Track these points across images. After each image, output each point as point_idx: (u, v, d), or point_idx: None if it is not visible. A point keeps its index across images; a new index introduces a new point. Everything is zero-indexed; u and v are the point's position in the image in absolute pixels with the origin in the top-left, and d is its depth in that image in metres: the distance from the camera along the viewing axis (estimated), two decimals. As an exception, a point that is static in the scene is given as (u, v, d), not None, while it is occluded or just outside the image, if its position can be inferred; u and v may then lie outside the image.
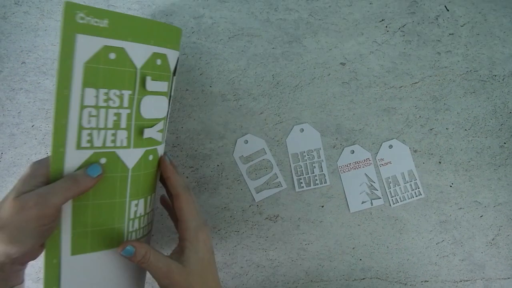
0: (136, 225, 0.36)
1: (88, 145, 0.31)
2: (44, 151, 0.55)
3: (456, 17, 0.56)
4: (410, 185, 0.56)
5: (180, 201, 0.37)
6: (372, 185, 0.55)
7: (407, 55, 0.56)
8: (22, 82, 0.55)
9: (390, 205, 0.55)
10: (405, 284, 0.55)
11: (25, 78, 0.56)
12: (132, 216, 0.35)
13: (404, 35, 0.57)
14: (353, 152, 0.55)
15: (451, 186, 0.56)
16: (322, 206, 0.56)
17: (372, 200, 0.55)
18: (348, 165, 0.55)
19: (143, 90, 0.33)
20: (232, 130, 0.56)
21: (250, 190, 0.55)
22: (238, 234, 0.55)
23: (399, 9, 0.56)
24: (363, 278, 0.55)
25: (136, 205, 0.35)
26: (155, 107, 0.35)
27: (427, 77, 0.56)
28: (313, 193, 0.56)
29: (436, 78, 0.56)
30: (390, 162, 0.56)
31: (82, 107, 0.30)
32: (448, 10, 0.56)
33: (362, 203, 0.55)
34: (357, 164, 0.55)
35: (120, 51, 0.31)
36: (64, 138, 0.30)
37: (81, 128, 0.30)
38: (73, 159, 0.31)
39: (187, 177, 0.55)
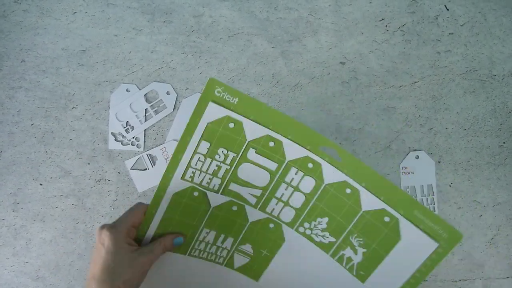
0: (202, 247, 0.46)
1: (190, 179, 0.41)
2: (43, 149, 0.55)
3: (456, 17, 0.56)
4: (427, 199, 0.56)
5: None
6: None
7: (407, 54, 0.56)
8: (22, 81, 0.55)
9: None
10: (404, 283, 0.55)
11: (25, 76, 0.55)
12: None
13: (404, 35, 0.57)
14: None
15: (450, 186, 0.56)
16: (322, 205, 0.56)
17: None
18: None
19: (245, 158, 0.42)
20: (232, 129, 0.56)
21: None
22: (238, 233, 0.55)
23: (399, 8, 0.56)
24: (362, 277, 0.55)
25: (207, 233, 0.45)
26: (252, 174, 0.43)
27: (426, 77, 0.56)
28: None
29: (435, 77, 0.56)
30: (412, 172, 0.56)
31: (195, 152, 0.40)
32: (448, 10, 0.56)
33: None
34: None
35: (238, 124, 0.40)
36: (175, 168, 0.40)
37: (189, 165, 0.41)
38: (175, 185, 0.41)
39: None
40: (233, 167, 0.42)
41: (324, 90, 0.56)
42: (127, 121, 0.56)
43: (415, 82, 0.56)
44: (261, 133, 0.42)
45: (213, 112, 0.40)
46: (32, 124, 0.55)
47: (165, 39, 0.56)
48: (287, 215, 0.44)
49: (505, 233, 0.56)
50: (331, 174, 0.42)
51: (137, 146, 0.56)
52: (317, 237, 0.44)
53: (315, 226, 0.43)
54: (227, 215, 0.44)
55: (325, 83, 0.56)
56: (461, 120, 0.56)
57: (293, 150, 0.42)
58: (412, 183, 0.56)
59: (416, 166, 0.56)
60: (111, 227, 0.40)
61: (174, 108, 0.56)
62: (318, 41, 0.56)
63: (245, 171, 0.42)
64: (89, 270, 0.39)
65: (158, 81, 0.56)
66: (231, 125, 0.41)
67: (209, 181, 0.43)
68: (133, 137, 0.56)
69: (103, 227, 0.40)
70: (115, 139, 0.56)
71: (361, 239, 0.42)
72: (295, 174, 0.43)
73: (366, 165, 0.40)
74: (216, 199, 0.43)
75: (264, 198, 0.44)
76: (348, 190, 0.41)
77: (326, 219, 0.43)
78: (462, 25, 0.56)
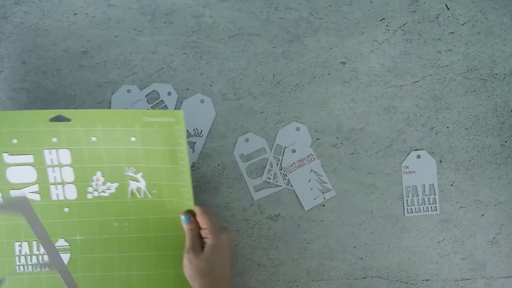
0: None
1: None
2: (45, 150, 0.55)
3: (457, 16, 0.56)
4: (428, 198, 0.56)
5: (201, 213, 0.47)
6: (320, 179, 0.55)
7: (408, 53, 0.56)
8: (23, 82, 0.56)
9: (404, 214, 0.55)
10: (406, 283, 0.55)
11: (26, 78, 0.56)
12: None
13: (404, 34, 0.56)
14: (294, 151, 0.55)
15: (452, 185, 0.56)
16: (323, 205, 0.56)
17: (324, 194, 0.55)
18: (293, 164, 0.55)
19: (4, 164, 0.47)
20: (233, 129, 0.56)
21: (249, 189, 0.55)
22: (239, 233, 0.55)
23: (400, 7, 0.56)
24: (364, 277, 0.55)
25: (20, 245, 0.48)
26: (19, 174, 0.47)
27: (427, 76, 0.56)
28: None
29: (436, 76, 0.56)
30: (414, 172, 0.56)
31: None
32: (448, 9, 0.56)
33: (314, 199, 0.55)
34: (301, 162, 0.55)
35: None
36: None
37: None
38: None
39: (188, 177, 0.55)
40: (2, 177, 0.47)
41: (325, 90, 0.56)
42: None
43: (416, 82, 0.56)
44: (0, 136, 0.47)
45: None
46: (33, 126, 0.56)
47: (165, 39, 0.56)
48: (71, 192, 0.48)
49: (507, 232, 0.56)
50: (73, 136, 0.47)
51: None
52: (105, 193, 0.48)
53: (96, 185, 0.48)
54: (18, 222, 0.47)
55: (325, 83, 0.56)
56: (462, 119, 0.56)
57: (33, 136, 0.47)
58: (413, 183, 0.56)
59: (418, 166, 0.56)
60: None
61: (175, 109, 0.56)
62: (319, 41, 0.56)
63: (13, 175, 0.47)
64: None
65: (159, 82, 0.56)
66: None
67: None
68: (135, 138, 0.56)
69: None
70: (117, 140, 0.56)
71: (132, 166, 0.48)
72: (50, 154, 0.47)
73: (92, 110, 0.49)
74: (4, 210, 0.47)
75: (44, 190, 0.48)
76: (93, 138, 0.47)
77: (99, 173, 0.48)
78: (463, 24, 0.56)
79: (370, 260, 0.55)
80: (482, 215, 0.56)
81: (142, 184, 0.48)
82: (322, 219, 0.56)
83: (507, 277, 0.56)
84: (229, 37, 0.56)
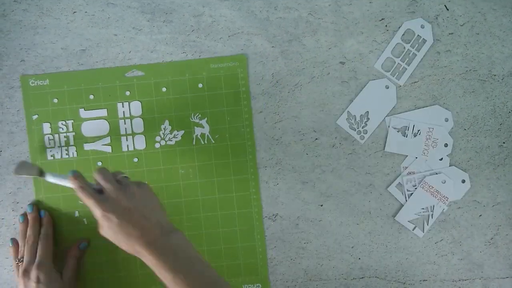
0: None
1: (52, 158, 0.53)
2: (43, 149, 0.55)
3: (456, 17, 0.56)
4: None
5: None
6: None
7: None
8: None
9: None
10: (404, 283, 0.55)
11: (24, 76, 0.55)
12: None
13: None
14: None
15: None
16: (321, 205, 0.56)
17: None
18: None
19: (80, 118, 0.52)
20: (232, 128, 0.56)
21: (249, 189, 0.55)
22: (237, 232, 0.55)
23: (399, 8, 0.56)
24: (362, 277, 0.55)
25: None
26: (93, 127, 0.52)
27: (426, 77, 0.56)
28: (312, 192, 0.56)
29: (435, 77, 0.56)
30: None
31: (43, 135, 0.53)
32: (447, 10, 0.56)
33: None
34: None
35: (59, 96, 0.53)
36: (40, 153, 0.54)
37: (44, 148, 0.53)
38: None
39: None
40: (77, 131, 0.52)
41: (324, 89, 0.56)
42: None
43: (415, 82, 0.56)
44: (78, 93, 0.52)
45: (37, 98, 0.52)
46: (31, 124, 0.55)
47: (165, 38, 0.56)
48: (141, 142, 0.52)
49: (504, 233, 0.56)
50: (144, 88, 0.52)
51: None
52: (171, 141, 0.52)
53: (163, 134, 0.52)
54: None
55: (324, 83, 0.56)
56: (461, 120, 0.56)
57: (108, 91, 0.52)
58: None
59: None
60: (41, 265, 0.46)
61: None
62: (318, 40, 0.56)
63: (87, 128, 0.52)
64: None
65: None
66: (55, 100, 0.52)
67: (66, 151, 0.52)
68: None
69: (28, 269, 0.47)
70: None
71: (197, 112, 0.52)
72: (123, 107, 0.52)
73: (161, 63, 0.53)
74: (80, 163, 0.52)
75: (115, 142, 0.52)
76: (163, 89, 0.52)
77: (166, 122, 0.52)
78: (462, 25, 0.56)
79: (367, 260, 0.55)
80: (480, 215, 0.56)
81: (206, 130, 0.52)
82: (320, 219, 0.56)
83: (504, 278, 0.56)
84: (228, 36, 0.56)
